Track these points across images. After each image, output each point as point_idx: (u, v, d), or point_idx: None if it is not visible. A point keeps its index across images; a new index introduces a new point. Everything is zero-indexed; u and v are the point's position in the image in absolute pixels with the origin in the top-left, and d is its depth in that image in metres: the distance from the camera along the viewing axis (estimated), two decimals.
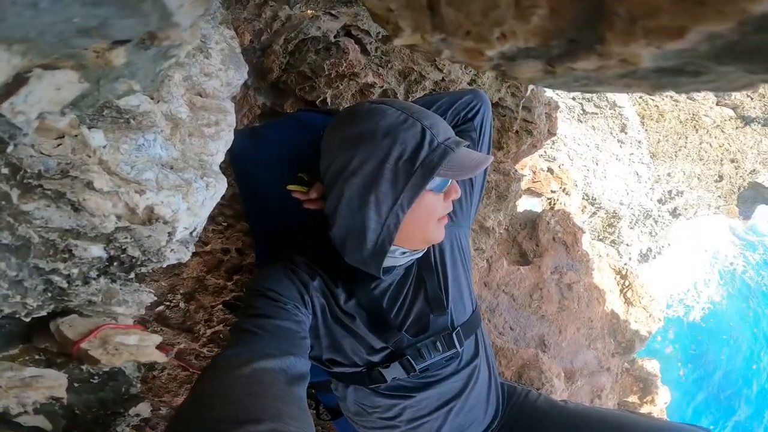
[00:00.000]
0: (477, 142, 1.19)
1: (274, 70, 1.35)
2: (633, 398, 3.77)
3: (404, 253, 1.03)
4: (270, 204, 1.16)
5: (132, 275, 0.73)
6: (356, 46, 1.44)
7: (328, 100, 1.43)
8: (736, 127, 6.45)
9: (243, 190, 1.26)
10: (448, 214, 1.13)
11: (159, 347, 0.89)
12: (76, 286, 0.67)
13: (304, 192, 1.07)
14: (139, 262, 0.71)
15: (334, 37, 1.41)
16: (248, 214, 1.32)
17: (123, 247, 0.67)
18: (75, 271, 0.65)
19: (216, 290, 1.47)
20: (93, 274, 0.68)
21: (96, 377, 0.83)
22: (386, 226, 0.92)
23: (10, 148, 0.51)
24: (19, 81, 0.46)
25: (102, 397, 0.85)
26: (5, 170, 0.53)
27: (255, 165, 1.20)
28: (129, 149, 0.64)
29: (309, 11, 1.31)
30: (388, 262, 1.01)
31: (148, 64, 0.58)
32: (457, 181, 1.15)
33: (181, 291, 1.44)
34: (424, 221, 0.97)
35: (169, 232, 0.72)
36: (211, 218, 1.41)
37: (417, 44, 0.48)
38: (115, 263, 0.68)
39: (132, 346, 0.81)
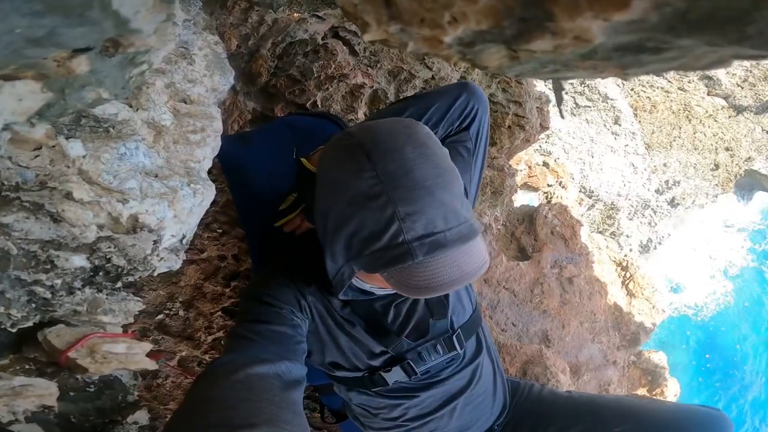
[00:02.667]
0: (472, 151, 1.11)
1: (262, 75, 1.36)
2: (642, 391, 3.75)
3: (381, 288, 0.95)
4: (263, 209, 1.16)
5: (119, 284, 0.73)
6: (344, 47, 1.45)
7: (319, 102, 1.44)
8: (729, 116, 6.49)
9: (235, 195, 1.26)
10: None
11: (149, 355, 0.88)
12: (61, 296, 0.67)
13: (292, 220, 1.07)
14: (125, 272, 0.71)
15: (322, 39, 1.42)
16: (242, 220, 1.32)
17: (107, 257, 0.66)
18: (58, 281, 0.64)
19: (214, 297, 1.47)
20: (77, 284, 0.68)
21: (92, 385, 0.83)
22: (340, 274, 0.84)
23: None
24: None
25: (99, 406, 0.85)
26: None
27: (246, 170, 1.20)
28: (110, 158, 0.64)
29: (295, 14, 1.32)
30: (366, 286, 0.97)
31: (115, 71, 0.57)
32: None
33: (180, 299, 1.44)
34: (385, 285, 0.85)
35: (154, 241, 0.72)
36: (206, 225, 1.41)
37: (386, 39, 0.47)
38: (100, 273, 0.68)
39: (120, 354, 0.81)
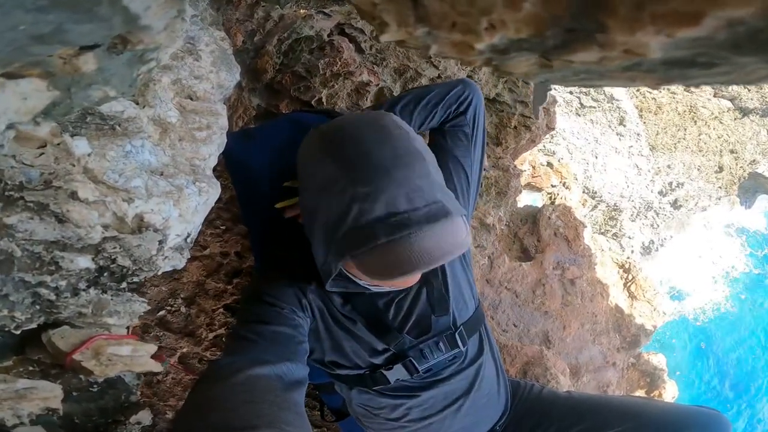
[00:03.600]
0: (471, 136, 1.16)
1: (268, 71, 1.35)
2: (640, 393, 3.75)
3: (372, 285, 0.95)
4: (266, 205, 1.15)
5: (124, 285, 0.72)
6: (350, 44, 1.44)
7: (324, 99, 1.43)
8: (735, 119, 6.44)
9: (239, 192, 1.25)
10: None
11: (154, 356, 0.88)
12: (65, 298, 0.66)
13: (293, 206, 1.06)
14: (130, 272, 0.70)
15: (328, 35, 1.40)
16: (245, 216, 1.31)
17: (112, 257, 0.66)
18: (63, 283, 0.64)
19: (216, 294, 1.46)
20: (82, 285, 0.67)
21: (95, 386, 0.83)
22: (326, 265, 0.85)
23: None
24: None
25: (102, 406, 0.84)
26: None
27: (250, 167, 1.19)
28: (116, 156, 0.63)
29: (301, 10, 1.31)
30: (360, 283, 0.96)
31: (123, 69, 0.56)
32: (453, 175, 1.13)
33: (182, 295, 1.43)
34: (369, 279, 0.86)
35: (160, 240, 0.71)
36: (209, 222, 1.41)
37: (405, 40, 0.45)
38: (105, 274, 0.67)
39: (125, 356, 0.80)
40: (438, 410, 1.12)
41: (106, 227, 0.61)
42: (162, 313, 1.42)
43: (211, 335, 1.48)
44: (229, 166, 1.22)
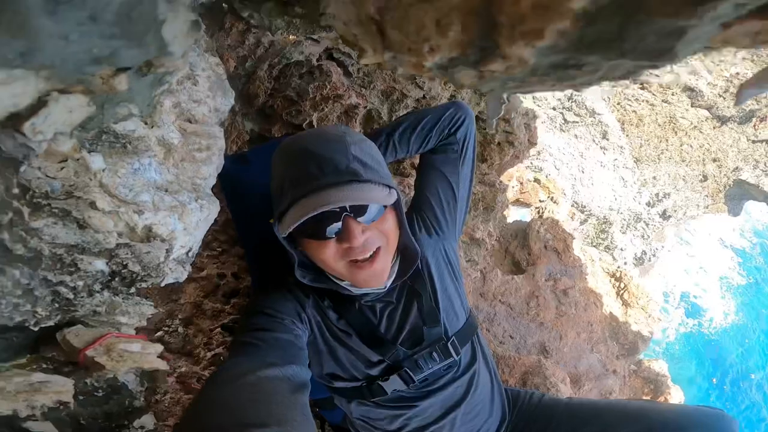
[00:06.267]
0: (460, 153, 1.23)
1: (260, 96, 1.41)
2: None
3: (358, 288, 1.03)
4: (260, 227, 1.19)
5: (133, 290, 0.76)
6: (339, 68, 1.51)
7: (314, 122, 1.48)
8: (714, 127, 6.59)
9: (234, 214, 1.29)
10: (433, 227, 1.18)
11: (161, 356, 0.92)
12: (82, 297, 0.70)
13: None
14: (139, 277, 0.74)
15: (317, 60, 1.47)
16: (241, 238, 1.35)
17: (124, 263, 0.70)
18: (80, 283, 0.68)
19: (214, 314, 1.48)
20: (97, 287, 0.72)
21: (100, 390, 0.85)
22: (290, 255, 0.99)
23: (22, 168, 0.55)
24: (40, 104, 0.51)
25: (107, 410, 0.87)
26: (17, 190, 0.57)
27: (244, 190, 1.24)
28: (126, 173, 0.68)
29: (291, 36, 1.38)
30: (349, 291, 1.03)
31: (145, 89, 0.63)
32: (439, 191, 1.20)
33: (180, 316, 1.45)
34: (321, 263, 0.96)
35: (166, 250, 0.75)
36: (206, 244, 1.44)
37: (380, 63, 0.57)
38: (116, 278, 0.72)
39: (135, 353, 0.84)
40: (435, 418, 1.14)
41: (120, 235, 0.66)
42: (160, 333, 1.44)
43: (209, 354, 1.49)
44: (224, 188, 1.27)
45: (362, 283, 0.97)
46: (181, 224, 0.75)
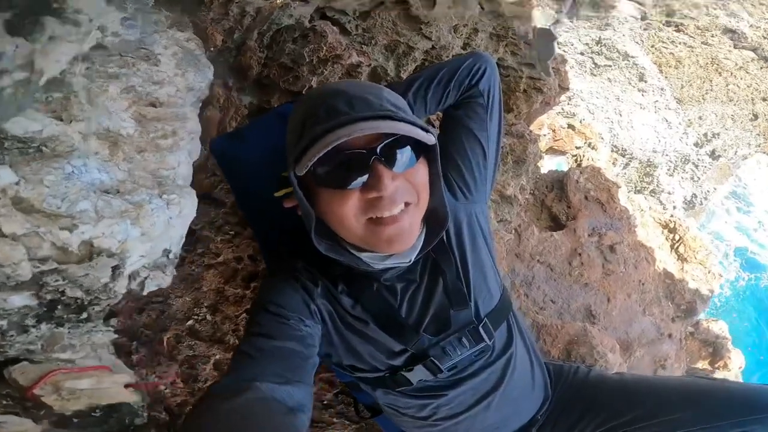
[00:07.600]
0: (486, 108, 1.10)
1: (253, 67, 1.31)
2: (703, 364, 3.49)
3: (379, 256, 0.90)
4: (265, 205, 1.11)
5: (84, 315, 0.68)
6: (334, 27, 1.39)
7: (315, 87, 1.39)
8: (761, 68, 6.09)
9: (237, 194, 1.23)
10: (461, 190, 1.06)
11: (130, 385, 0.83)
12: (11, 336, 0.63)
13: (291, 195, 1.02)
14: (86, 302, 0.66)
15: (309, 22, 1.36)
16: (247, 218, 1.29)
17: (60, 290, 0.62)
18: (3, 323, 0.60)
19: (236, 300, 1.45)
20: (30, 322, 0.64)
21: (97, 410, 0.80)
22: (308, 216, 0.85)
23: None
24: None
25: (106, 430, 0.81)
26: None
27: (243, 167, 1.17)
28: (56, 180, 0.59)
29: (277, 0, 1.27)
30: (367, 265, 0.92)
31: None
32: (467, 150, 1.08)
33: (205, 304, 1.43)
34: (339, 221, 0.84)
35: (114, 266, 0.66)
36: (218, 229, 1.39)
37: None
38: (58, 307, 0.64)
39: (87, 389, 0.76)
40: (468, 407, 1.05)
41: (43, 260, 0.57)
42: (190, 322, 1.42)
43: (238, 342, 1.47)
44: (222, 168, 1.20)
45: (385, 245, 0.84)
46: (138, 230, 0.66)
